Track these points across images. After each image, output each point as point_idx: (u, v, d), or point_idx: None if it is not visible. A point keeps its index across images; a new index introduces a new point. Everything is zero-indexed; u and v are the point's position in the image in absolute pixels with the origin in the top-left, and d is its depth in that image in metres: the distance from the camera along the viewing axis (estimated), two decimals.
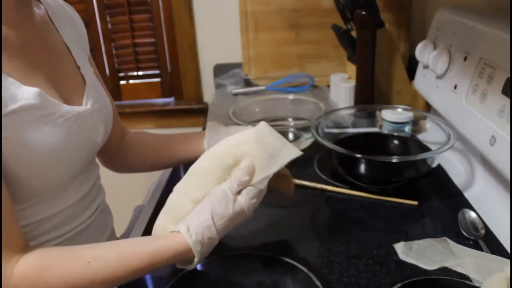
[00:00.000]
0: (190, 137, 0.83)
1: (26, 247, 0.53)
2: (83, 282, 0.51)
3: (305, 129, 0.99)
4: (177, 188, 0.62)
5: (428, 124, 0.93)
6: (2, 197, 0.50)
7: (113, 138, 0.79)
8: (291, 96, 1.14)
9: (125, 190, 1.52)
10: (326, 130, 0.93)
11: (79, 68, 0.67)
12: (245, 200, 0.58)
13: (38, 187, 0.57)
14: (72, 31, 0.71)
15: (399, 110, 0.96)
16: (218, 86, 1.54)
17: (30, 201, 0.58)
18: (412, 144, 0.94)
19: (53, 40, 0.64)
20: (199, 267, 0.65)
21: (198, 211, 0.58)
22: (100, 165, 0.80)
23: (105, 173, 0.84)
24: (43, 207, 0.60)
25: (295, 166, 0.67)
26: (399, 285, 0.59)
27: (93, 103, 0.66)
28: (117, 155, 0.83)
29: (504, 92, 0.68)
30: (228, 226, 0.58)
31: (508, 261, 0.61)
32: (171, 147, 0.82)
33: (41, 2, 0.66)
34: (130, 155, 0.83)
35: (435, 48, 0.95)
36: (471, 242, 0.67)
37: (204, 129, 1.19)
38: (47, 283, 0.51)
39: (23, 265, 0.51)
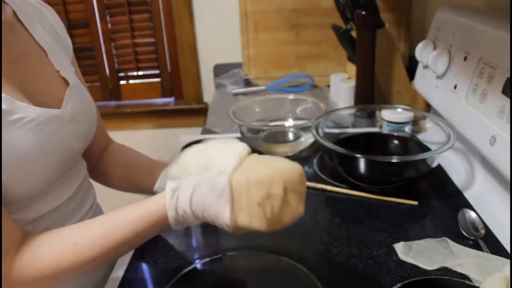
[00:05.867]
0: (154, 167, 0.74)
1: (22, 238, 0.54)
2: (74, 264, 0.53)
3: (305, 129, 0.99)
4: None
5: (428, 124, 0.93)
6: None
7: (95, 147, 0.76)
8: (291, 96, 1.13)
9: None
10: (326, 130, 0.93)
11: (58, 71, 0.64)
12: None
13: (17, 191, 0.55)
14: (49, 33, 0.68)
15: (399, 110, 0.96)
16: (218, 86, 1.54)
17: (14, 207, 0.56)
18: (412, 144, 0.94)
19: (20, 43, 0.61)
20: (199, 267, 0.65)
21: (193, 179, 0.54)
22: None
23: None
24: (30, 211, 0.59)
25: None
26: (399, 285, 0.59)
27: (74, 105, 0.63)
28: (97, 166, 0.78)
29: (504, 92, 0.68)
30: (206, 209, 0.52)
31: (508, 261, 0.61)
32: (149, 169, 0.74)
33: (6, 3, 0.62)
34: (109, 168, 0.78)
35: (435, 48, 0.95)
36: (471, 242, 0.67)
37: (203, 129, 1.20)
38: (41, 274, 0.52)
39: (18, 260, 0.52)
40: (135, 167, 0.77)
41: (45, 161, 0.58)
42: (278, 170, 0.52)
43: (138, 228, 0.54)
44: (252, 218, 0.51)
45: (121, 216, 0.55)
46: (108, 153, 0.79)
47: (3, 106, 0.52)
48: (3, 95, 0.52)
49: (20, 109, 0.54)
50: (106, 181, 0.79)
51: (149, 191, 0.71)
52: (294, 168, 0.54)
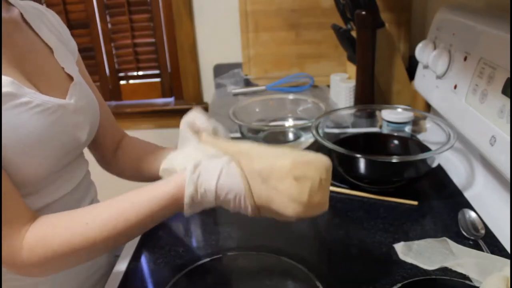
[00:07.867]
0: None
1: (33, 218, 0.54)
2: (86, 243, 0.53)
3: (305, 129, 0.99)
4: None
5: (428, 124, 0.93)
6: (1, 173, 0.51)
7: (109, 141, 0.79)
8: (291, 96, 1.14)
9: (124, 191, 1.52)
10: (326, 130, 0.93)
11: (63, 68, 0.67)
12: None
13: (22, 175, 0.56)
14: (53, 34, 0.70)
15: (399, 110, 0.96)
16: (218, 86, 1.54)
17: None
18: (412, 144, 0.93)
19: (26, 41, 0.64)
20: (199, 267, 0.65)
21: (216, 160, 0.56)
22: (90, 163, 0.78)
23: (103, 174, 0.83)
24: (34, 199, 0.60)
25: None
26: (399, 285, 0.59)
27: (78, 99, 0.65)
28: (114, 159, 0.81)
29: (504, 92, 0.68)
30: (230, 192, 0.53)
31: (508, 261, 0.61)
32: (155, 155, 0.77)
33: (13, 5, 0.65)
34: (125, 160, 0.81)
35: (435, 48, 0.95)
36: (471, 242, 0.67)
37: None
38: (53, 251, 0.52)
39: (29, 237, 0.52)
40: (144, 157, 0.78)
41: (50, 148, 0.59)
42: (307, 158, 0.54)
43: (152, 209, 0.54)
44: (290, 192, 0.52)
45: (136, 198, 0.55)
46: (122, 147, 0.82)
47: (10, 90, 0.54)
48: (10, 79, 0.54)
49: (27, 94, 0.56)
50: (120, 173, 0.82)
51: (157, 177, 0.71)
52: (323, 161, 0.54)
